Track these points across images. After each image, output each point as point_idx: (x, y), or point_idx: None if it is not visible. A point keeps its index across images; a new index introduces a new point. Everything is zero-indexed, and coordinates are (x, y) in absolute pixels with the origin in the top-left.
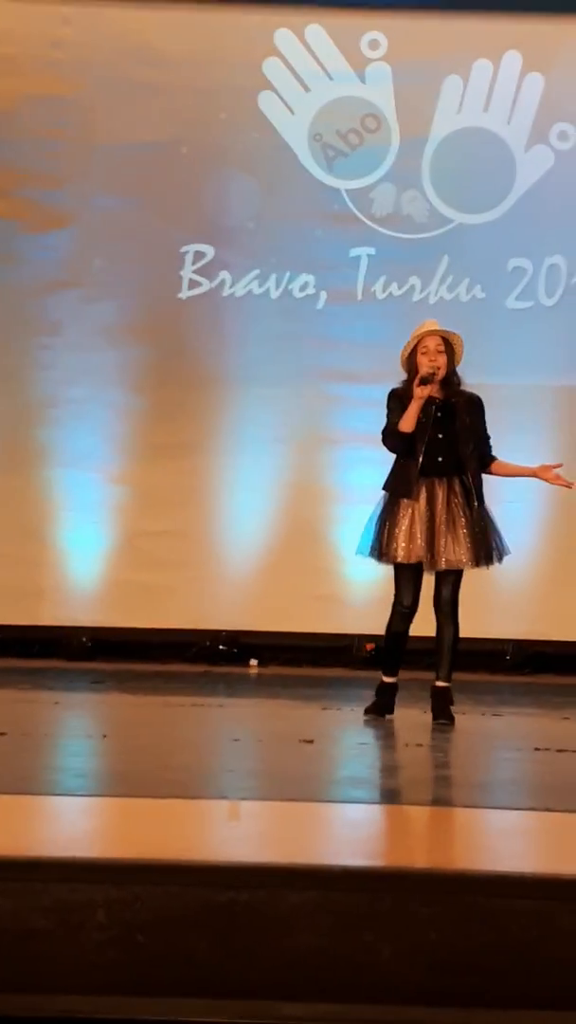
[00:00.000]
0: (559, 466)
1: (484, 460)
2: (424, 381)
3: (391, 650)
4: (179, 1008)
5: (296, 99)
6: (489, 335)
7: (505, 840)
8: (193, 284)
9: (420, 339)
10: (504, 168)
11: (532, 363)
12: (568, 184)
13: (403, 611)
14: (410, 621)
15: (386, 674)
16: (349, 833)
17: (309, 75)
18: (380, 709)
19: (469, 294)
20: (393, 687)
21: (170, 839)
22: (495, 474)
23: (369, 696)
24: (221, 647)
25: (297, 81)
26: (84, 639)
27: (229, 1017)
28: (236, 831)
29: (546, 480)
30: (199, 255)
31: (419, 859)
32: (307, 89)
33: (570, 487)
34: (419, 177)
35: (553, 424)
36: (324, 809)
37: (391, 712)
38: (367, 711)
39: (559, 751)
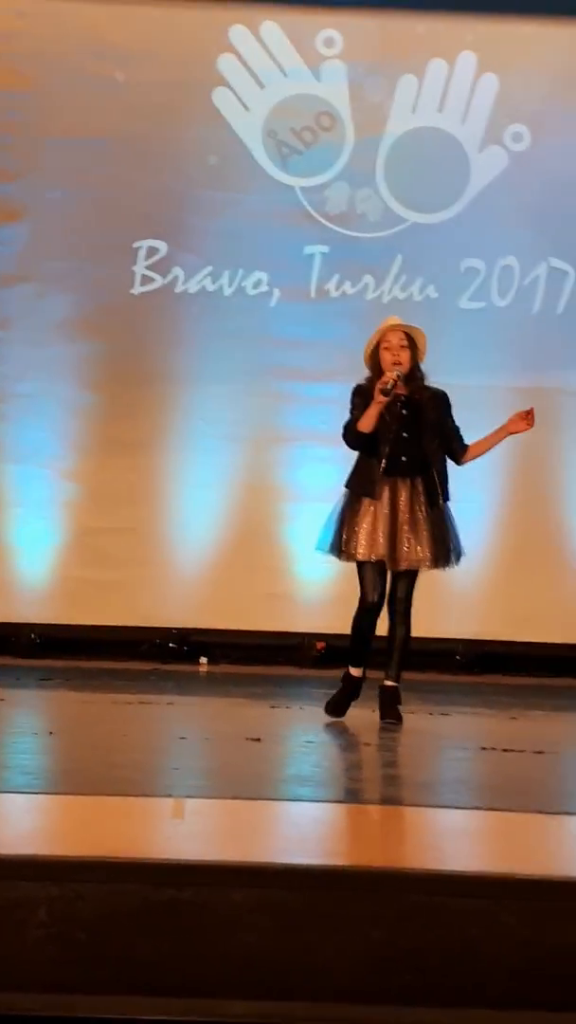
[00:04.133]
0: (530, 410)
1: (457, 454)
2: (385, 392)
3: (357, 644)
4: (122, 1006)
5: (251, 96)
6: (442, 335)
7: (450, 839)
8: (146, 280)
9: (383, 335)
10: (458, 168)
11: (484, 364)
12: (521, 185)
13: (369, 607)
14: (377, 616)
15: (353, 666)
16: (294, 832)
17: (264, 72)
18: (339, 704)
19: (422, 294)
20: (359, 680)
21: (114, 837)
22: (473, 458)
23: (319, 695)
24: (171, 645)
25: (252, 78)
26: (33, 636)
27: (173, 1015)
28: (181, 829)
29: (522, 429)
30: (152, 251)
31: (363, 858)
32: (262, 86)
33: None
34: (373, 176)
35: None
36: (269, 807)
37: (356, 698)
38: (328, 708)
39: (505, 751)
